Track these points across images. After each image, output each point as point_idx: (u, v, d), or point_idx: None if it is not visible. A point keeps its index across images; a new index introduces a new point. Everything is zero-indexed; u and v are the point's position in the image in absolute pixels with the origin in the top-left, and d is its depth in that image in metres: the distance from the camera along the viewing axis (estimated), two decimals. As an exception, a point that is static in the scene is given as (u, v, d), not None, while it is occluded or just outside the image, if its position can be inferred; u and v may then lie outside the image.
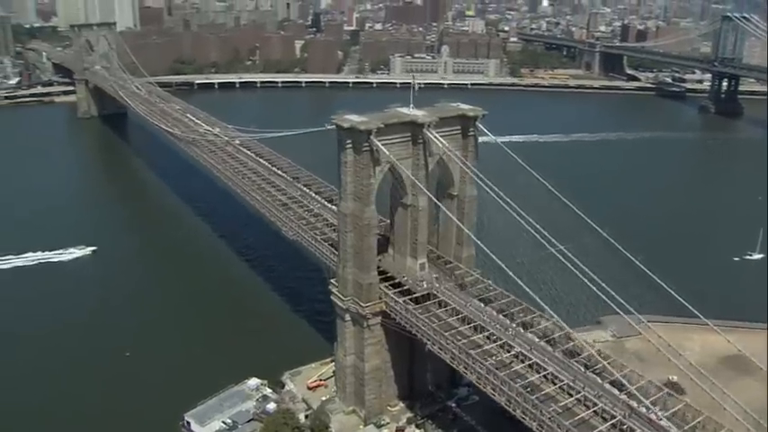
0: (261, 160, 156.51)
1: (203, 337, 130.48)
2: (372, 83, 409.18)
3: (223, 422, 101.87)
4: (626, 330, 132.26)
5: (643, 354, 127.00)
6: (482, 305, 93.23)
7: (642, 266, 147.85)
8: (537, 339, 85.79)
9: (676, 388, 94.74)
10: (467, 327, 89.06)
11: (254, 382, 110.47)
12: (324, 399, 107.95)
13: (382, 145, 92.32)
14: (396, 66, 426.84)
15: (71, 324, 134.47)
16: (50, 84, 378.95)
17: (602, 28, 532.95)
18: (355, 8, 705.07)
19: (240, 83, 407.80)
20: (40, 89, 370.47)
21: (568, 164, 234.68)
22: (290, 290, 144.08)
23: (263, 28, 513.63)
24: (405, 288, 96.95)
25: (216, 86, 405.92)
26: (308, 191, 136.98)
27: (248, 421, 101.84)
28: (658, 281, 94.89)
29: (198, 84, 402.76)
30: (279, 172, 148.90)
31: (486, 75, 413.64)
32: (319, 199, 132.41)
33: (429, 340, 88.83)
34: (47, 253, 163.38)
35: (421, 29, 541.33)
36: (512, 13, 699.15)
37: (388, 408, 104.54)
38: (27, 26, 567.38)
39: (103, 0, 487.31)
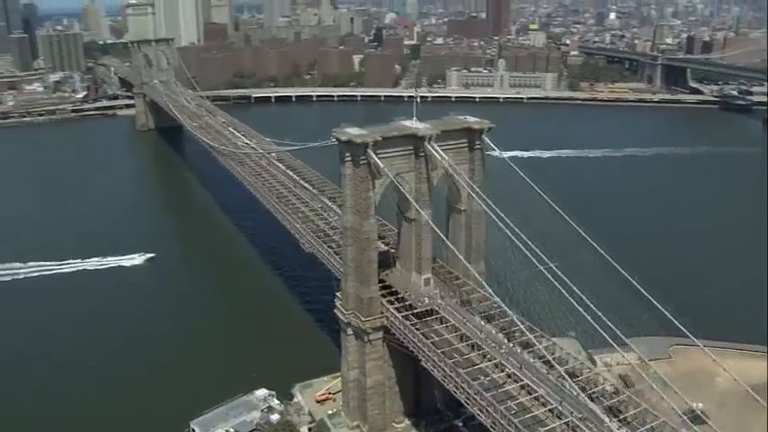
0: (289, 172, 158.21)
1: (223, 345, 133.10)
2: (427, 97, 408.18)
3: (226, 431, 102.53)
4: (654, 353, 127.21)
5: (669, 378, 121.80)
6: (482, 323, 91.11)
7: (675, 286, 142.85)
8: (532, 360, 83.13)
9: (698, 417, 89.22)
10: (464, 344, 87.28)
11: (262, 392, 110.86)
12: (330, 412, 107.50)
13: (383, 158, 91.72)
14: (452, 80, 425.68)
15: (110, 325, 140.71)
16: (115, 97, 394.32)
17: (669, 40, 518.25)
18: (417, 23, 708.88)
19: (296, 96, 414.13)
20: (104, 102, 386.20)
21: (611, 180, 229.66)
22: (312, 302, 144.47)
23: (323, 43, 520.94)
24: (407, 303, 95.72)
25: (273, 100, 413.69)
26: (330, 204, 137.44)
27: (250, 431, 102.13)
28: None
29: (255, 97, 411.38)
30: (305, 184, 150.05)
31: (543, 89, 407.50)
32: (340, 212, 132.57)
33: (423, 357, 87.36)
34: (111, 258, 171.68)
35: (482, 43, 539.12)
36: (577, 26, 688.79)
37: (394, 424, 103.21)
38: (101, 42, 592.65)
39: (169, 16, 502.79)
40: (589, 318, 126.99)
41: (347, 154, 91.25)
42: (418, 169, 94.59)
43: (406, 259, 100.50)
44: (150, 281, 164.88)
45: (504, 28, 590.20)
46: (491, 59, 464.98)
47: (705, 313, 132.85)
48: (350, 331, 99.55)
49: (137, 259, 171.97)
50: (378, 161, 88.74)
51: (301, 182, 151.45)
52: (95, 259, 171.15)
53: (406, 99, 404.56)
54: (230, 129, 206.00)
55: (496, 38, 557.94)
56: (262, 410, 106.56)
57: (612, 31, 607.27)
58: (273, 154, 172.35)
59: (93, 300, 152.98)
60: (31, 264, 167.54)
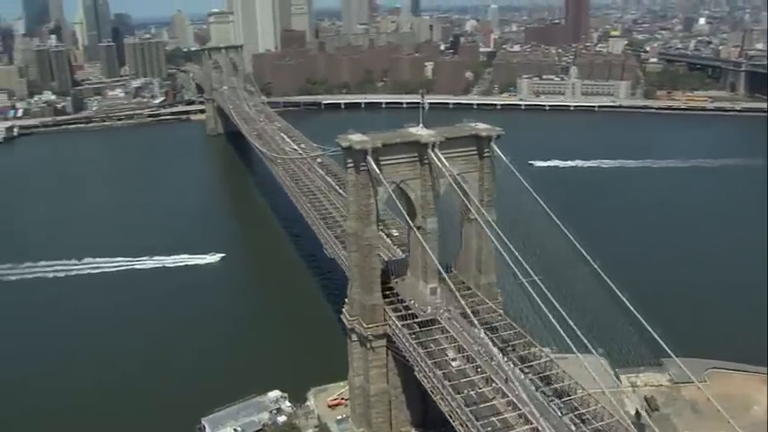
0: (328, 178, 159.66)
1: (251, 346, 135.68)
2: (496, 104, 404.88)
3: (234, 429, 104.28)
4: (688, 375, 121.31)
5: (701, 404, 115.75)
6: (481, 335, 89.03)
7: (722, 305, 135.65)
8: (523, 376, 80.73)
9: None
10: (460, 356, 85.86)
11: (274, 393, 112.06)
12: (339, 417, 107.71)
13: (387, 165, 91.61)
14: (522, 87, 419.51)
15: (160, 322, 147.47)
16: (191, 103, 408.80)
17: (760, 45, 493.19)
18: (497, 30, 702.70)
19: (366, 103, 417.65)
20: (179, 108, 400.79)
21: (674, 192, 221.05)
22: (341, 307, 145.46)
23: (397, 50, 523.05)
24: (411, 312, 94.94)
25: (342, 107, 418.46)
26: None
27: (255, 431, 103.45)
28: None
29: (325, 104, 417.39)
30: (340, 190, 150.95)
31: (617, 97, 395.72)
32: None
33: (416, 366, 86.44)
34: (186, 255, 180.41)
35: (560, 50, 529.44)
36: (663, 32, 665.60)
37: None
38: (185, 50, 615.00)
39: (248, 24, 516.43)
40: (619, 335, 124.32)
41: (349, 160, 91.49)
42: (423, 177, 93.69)
43: (414, 268, 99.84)
44: (215, 280, 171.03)
45: (582, 35, 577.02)
46: (566, 67, 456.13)
47: (751, 337, 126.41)
48: (354, 337, 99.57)
49: (209, 258, 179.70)
50: (375, 168, 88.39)
51: (336, 187, 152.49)
52: (173, 257, 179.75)
53: (475, 107, 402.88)
54: (282, 134, 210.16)
55: (574, 45, 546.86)
56: (270, 412, 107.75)
57: (699, 37, 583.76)
58: (319, 159, 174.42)
59: (157, 295, 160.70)
60: (115, 259, 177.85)
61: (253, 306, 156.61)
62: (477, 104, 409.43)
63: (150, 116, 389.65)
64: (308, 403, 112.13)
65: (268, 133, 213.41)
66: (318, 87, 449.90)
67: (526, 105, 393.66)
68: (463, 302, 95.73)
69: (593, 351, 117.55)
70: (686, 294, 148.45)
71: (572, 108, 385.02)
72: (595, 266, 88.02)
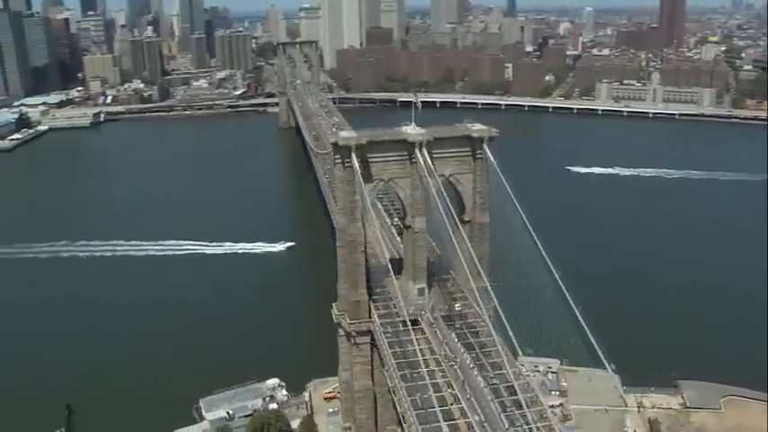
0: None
1: (277, 331, 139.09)
2: (573, 108, 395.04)
3: (227, 412, 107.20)
4: (703, 401, 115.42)
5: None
6: (455, 339, 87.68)
7: (746, 330, 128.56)
8: (483, 384, 78.73)
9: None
10: (432, 358, 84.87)
11: (272, 381, 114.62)
12: (330, 410, 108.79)
13: (375, 162, 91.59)
14: (601, 92, 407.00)
15: (214, 299, 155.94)
16: (272, 95, 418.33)
17: None
18: (589, 33, 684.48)
19: (441, 102, 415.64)
20: (259, 100, 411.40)
21: (732, 207, 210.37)
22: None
23: (481, 50, 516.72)
24: (395, 311, 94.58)
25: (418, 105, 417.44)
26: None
27: (245, 416, 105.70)
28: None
29: (401, 101, 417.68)
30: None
31: (700, 104, 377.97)
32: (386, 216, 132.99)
33: (386, 365, 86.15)
34: (258, 243, 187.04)
35: (650, 55, 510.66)
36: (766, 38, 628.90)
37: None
38: (275, 44, 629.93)
39: (334, 20, 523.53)
40: (634, 351, 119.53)
41: (337, 156, 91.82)
42: (412, 176, 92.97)
43: (406, 267, 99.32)
44: (278, 269, 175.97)
45: (675, 39, 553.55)
46: (651, 72, 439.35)
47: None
48: (341, 332, 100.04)
49: (278, 247, 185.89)
50: (356, 164, 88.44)
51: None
52: (243, 244, 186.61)
53: (551, 110, 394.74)
54: (334, 129, 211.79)
55: (665, 50, 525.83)
56: (264, 399, 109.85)
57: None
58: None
59: (217, 280, 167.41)
60: (187, 242, 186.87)
61: (297, 295, 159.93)
62: (553, 108, 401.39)
63: (230, 107, 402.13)
64: (304, 393, 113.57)
65: (322, 128, 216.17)
66: (397, 85, 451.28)
67: (603, 110, 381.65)
68: (448, 305, 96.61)
69: (607, 366, 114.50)
70: (716, 315, 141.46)
71: (651, 115, 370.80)
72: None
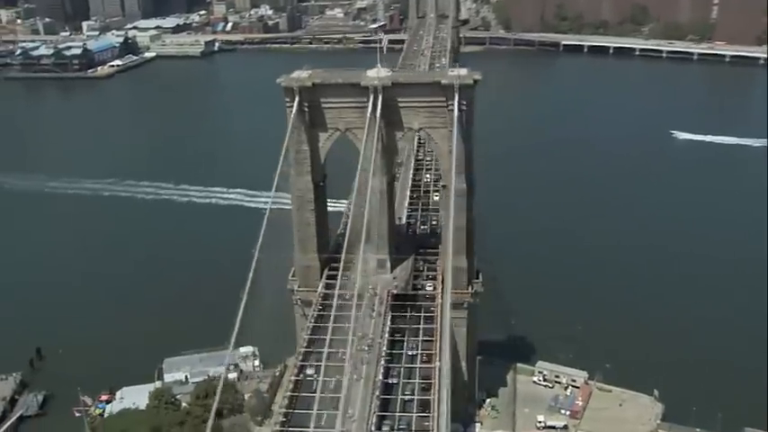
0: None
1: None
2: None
3: (185, 375, 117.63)
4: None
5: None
6: (369, 322, 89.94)
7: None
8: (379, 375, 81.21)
9: None
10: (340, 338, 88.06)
11: (246, 349, 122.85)
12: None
13: (331, 108, 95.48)
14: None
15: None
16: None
17: None
18: None
19: (614, 48, 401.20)
20: (399, 36, 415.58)
21: None
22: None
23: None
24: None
25: (585, 50, 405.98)
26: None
27: (200, 381, 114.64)
28: None
29: (564, 45, 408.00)
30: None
31: None
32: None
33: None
34: None
35: None
36: None
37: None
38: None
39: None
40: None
41: (287, 99, 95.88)
42: (372, 127, 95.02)
43: (371, 235, 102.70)
44: None
45: None
46: None
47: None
48: (294, 299, 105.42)
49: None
50: (296, 110, 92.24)
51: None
52: None
53: (763, 62, 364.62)
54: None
55: None
56: (227, 367, 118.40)
57: None
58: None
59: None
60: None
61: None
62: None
63: (362, 42, 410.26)
64: (277, 368, 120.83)
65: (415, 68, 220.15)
66: (565, 25, 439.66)
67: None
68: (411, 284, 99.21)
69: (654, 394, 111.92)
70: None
71: None
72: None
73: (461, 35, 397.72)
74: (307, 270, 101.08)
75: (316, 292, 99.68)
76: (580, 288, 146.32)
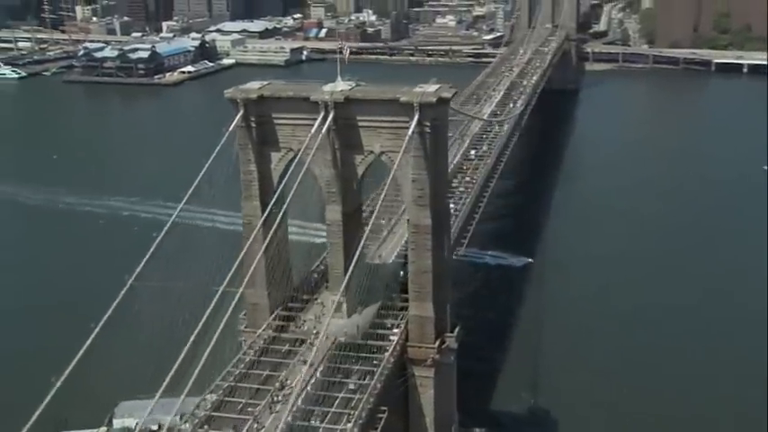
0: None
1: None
2: None
3: (135, 422, 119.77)
4: None
5: None
6: (302, 371, 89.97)
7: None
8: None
9: None
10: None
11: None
12: None
13: (283, 125, 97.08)
14: None
15: None
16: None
17: None
18: None
19: (749, 66, 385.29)
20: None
21: None
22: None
23: None
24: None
25: (744, 70, 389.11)
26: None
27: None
28: None
29: (716, 64, 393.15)
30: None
31: None
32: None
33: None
34: None
35: None
36: None
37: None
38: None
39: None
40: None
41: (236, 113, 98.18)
42: (324, 148, 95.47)
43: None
44: None
45: None
46: None
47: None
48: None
49: None
50: (241, 123, 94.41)
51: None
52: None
53: None
54: (502, 94, 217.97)
55: None
56: (180, 416, 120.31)
57: None
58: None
59: None
60: None
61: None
62: None
63: (471, 56, 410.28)
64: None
65: (490, 90, 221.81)
66: (725, 39, 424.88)
67: None
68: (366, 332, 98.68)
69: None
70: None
71: None
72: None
73: (590, 50, 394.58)
74: (254, 308, 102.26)
75: (255, 333, 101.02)
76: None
